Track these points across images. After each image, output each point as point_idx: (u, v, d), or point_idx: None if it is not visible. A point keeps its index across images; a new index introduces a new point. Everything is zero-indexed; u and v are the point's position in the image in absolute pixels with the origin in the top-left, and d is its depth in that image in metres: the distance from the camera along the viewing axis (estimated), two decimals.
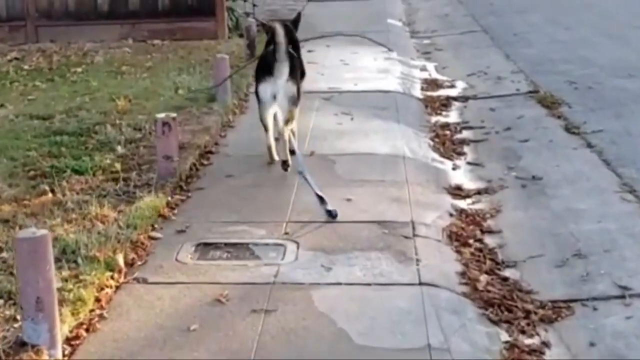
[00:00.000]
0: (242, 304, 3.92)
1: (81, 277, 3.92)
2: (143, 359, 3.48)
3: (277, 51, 5.60)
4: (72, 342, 3.54)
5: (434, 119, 7.71)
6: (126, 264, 4.26)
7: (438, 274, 4.29)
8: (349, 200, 5.24)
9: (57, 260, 4.11)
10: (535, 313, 3.99)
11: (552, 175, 5.91)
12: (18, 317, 3.47)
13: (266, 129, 5.89)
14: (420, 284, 4.12)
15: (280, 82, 5.62)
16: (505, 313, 3.98)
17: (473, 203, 5.50)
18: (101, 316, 3.78)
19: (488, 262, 4.54)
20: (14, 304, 3.63)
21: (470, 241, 4.81)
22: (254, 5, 12.40)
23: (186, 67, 8.86)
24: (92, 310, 3.78)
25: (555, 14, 13.31)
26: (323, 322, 3.74)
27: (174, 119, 5.40)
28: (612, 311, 4.00)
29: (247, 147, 6.46)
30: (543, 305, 4.07)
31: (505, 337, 3.83)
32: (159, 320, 3.77)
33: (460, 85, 9.06)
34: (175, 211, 5.09)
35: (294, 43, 5.94)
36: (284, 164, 5.73)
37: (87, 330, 3.65)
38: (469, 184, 5.88)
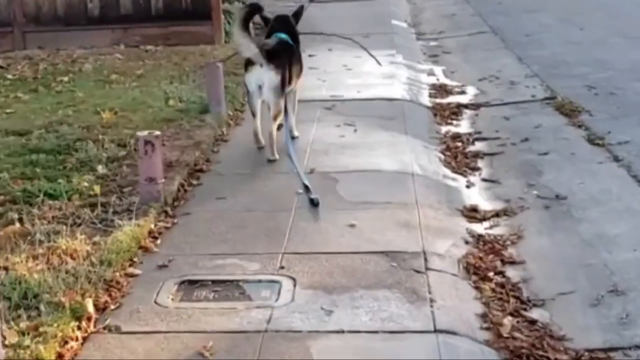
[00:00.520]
0: (228, 357, 3.38)
1: (42, 329, 3.38)
2: None
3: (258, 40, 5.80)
4: None
5: (444, 129, 7.15)
6: (97, 308, 3.71)
7: (456, 318, 3.73)
8: (352, 226, 4.69)
9: (17, 307, 3.58)
10: None
11: (578, 194, 5.34)
12: None
13: (253, 115, 5.98)
14: (436, 331, 3.56)
15: (263, 72, 5.66)
16: None
17: (491, 227, 4.94)
18: None
19: (512, 300, 3.98)
20: None
21: (490, 274, 4.25)
22: None
23: (179, 75, 8.32)
24: None
25: (567, 13, 12.72)
26: None
27: (157, 137, 4.85)
28: None
29: (240, 165, 5.91)
30: (579, 356, 3.51)
31: None
32: None
33: (471, 91, 8.50)
34: (158, 241, 4.55)
35: (293, 35, 6.11)
36: (269, 161, 5.83)
37: None
38: (486, 205, 5.32)
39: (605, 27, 11.14)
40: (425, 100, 8.07)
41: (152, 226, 4.66)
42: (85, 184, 5.11)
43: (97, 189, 5.05)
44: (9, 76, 8.56)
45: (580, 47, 9.93)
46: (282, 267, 4.19)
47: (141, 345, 3.47)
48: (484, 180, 5.81)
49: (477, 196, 5.50)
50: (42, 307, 3.56)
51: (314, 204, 4.96)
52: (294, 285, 4.00)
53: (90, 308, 3.62)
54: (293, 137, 6.16)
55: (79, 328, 3.50)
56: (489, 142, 6.67)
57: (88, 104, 7.18)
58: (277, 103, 5.74)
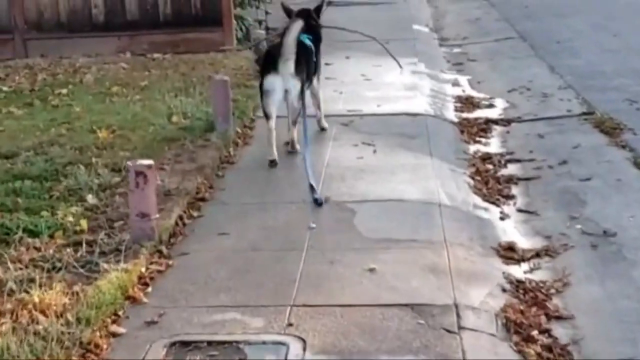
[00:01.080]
0: None
1: None
2: None
3: (283, 43, 5.61)
4: None
5: (472, 148, 6.52)
6: None
7: None
8: (372, 270, 4.08)
9: None
10: None
11: (629, 229, 4.70)
12: None
13: (268, 118, 5.80)
14: None
15: (285, 78, 5.63)
16: None
17: (531, 271, 4.31)
18: None
19: None
20: None
21: (535, 333, 3.62)
22: (267, 13, 11.28)
23: (185, 87, 7.72)
24: None
25: (599, 17, 12.03)
26: None
27: (149, 167, 4.26)
28: None
29: (247, 192, 5.32)
30: None
31: None
32: None
33: (500, 104, 7.85)
34: (149, 289, 3.96)
35: (315, 34, 6.09)
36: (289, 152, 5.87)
37: None
38: (523, 242, 4.69)
39: None
40: (451, 114, 7.44)
41: (143, 270, 4.07)
42: (71, 219, 4.52)
43: (83, 223, 4.48)
44: (5, 88, 8.01)
45: (617, 56, 9.25)
46: (290, 325, 3.59)
47: None
48: (520, 211, 5.17)
49: (513, 230, 4.87)
50: None
51: (317, 203, 4.93)
52: (304, 349, 3.40)
53: None
54: (323, 129, 6.44)
55: None
56: (523, 165, 6.03)
57: (84, 120, 6.61)
58: (297, 107, 5.79)
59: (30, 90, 7.88)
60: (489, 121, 7.20)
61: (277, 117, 5.81)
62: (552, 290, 4.05)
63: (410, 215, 4.84)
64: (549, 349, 3.52)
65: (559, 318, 3.80)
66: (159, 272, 4.13)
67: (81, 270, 3.96)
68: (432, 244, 4.41)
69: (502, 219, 5.04)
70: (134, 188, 4.25)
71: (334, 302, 3.78)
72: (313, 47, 6.06)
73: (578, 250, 4.52)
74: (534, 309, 3.85)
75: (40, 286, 3.71)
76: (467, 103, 7.91)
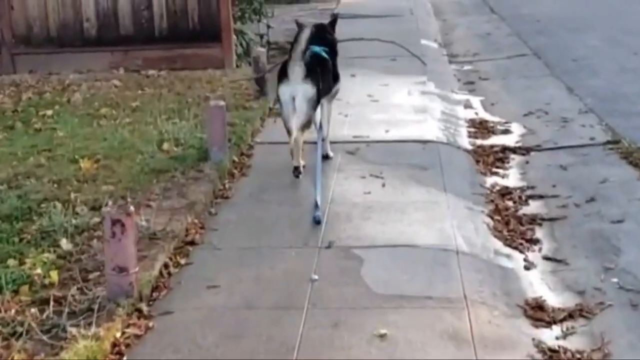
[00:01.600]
0: None
1: None
2: None
3: (293, 50, 5.56)
4: None
5: (489, 180, 5.97)
6: None
7: None
8: (382, 336, 3.55)
9: None
10: None
11: None
12: None
13: (289, 133, 5.56)
14: None
15: (295, 84, 5.48)
16: None
17: (565, 336, 3.75)
18: None
19: None
20: None
21: None
22: (268, 27, 10.77)
23: (179, 109, 7.21)
24: None
25: (615, 32, 11.52)
26: None
27: (129, 214, 3.72)
28: None
29: (243, 233, 4.79)
30: None
31: None
32: None
33: (517, 129, 7.31)
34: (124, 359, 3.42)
35: (330, 45, 5.98)
36: (296, 169, 5.52)
37: None
38: (553, 298, 4.13)
39: None
40: (464, 141, 6.90)
41: (118, 335, 3.54)
42: (39, 270, 3.98)
43: (54, 275, 3.94)
44: None
45: (639, 76, 8.71)
46: None
47: None
48: (547, 259, 4.61)
49: (541, 284, 4.31)
50: None
51: (315, 221, 4.82)
52: None
53: None
54: (327, 156, 6.01)
55: None
56: (546, 202, 5.48)
57: (67, 147, 6.08)
58: (308, 114, 5.56)
59: (13, 111, 7.37)
60: (505, 149, 6.66)
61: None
62: None
63: (425, 264, 4.30)
64: None
65: None
66: (137, 336, 3.59)
67: (44, 338, 3.41)
68: (450, 303, 3.86)
69: (527, 268, 4.49)
70: (109, 238, 3.71)
71: None
72: (330, 60, 5.93)
73: (616, 310, 3.96)
74: None
75: None
76: (481, 128, 7.37)
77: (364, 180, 5.65)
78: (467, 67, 10.35)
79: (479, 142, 6.92)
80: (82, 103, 7.66)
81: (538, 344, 3.63)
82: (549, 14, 13.83)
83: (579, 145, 6.60)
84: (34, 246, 4.33)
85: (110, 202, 4.80)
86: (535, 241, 4.83)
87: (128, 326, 3.63)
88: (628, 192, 5.46)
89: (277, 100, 5.77)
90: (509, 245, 4.76)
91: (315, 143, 5.81)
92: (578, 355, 3.56)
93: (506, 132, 7.24)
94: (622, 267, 4.39)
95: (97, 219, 4.64)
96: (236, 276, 4.20)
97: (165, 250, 4.37)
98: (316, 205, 4.96)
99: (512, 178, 6.03)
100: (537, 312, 3.94)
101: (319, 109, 5.82)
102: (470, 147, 6.73)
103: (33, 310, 3.63)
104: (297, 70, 5.46)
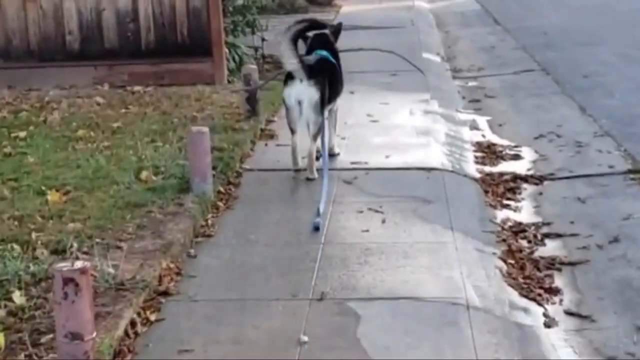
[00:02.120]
0: None
1: None
2: None
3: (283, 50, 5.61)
4: None
5: (499, 215, 5.42)
6: None
7: None
8: None
9: None
10: None
11: None
12: None
13: (292, 132, 5.75)
14: None
15: (302, 87, 5.54)
16: None
17: None
18: None
19: None
20: None
21: None
22: (263, 40, 10.23)
23: (163, 131, 6.67)
24: None
25: (627, 47, 10.97)
26: None
27: (84, 271, 3.16)
28: None
29: (225, 282, 4.22)
30: None
31: None
32: None
33: (528, 154, 6.76)
34: None
35: (333, 52, 5.97)
36: (296, 172, 5.74)
37: None
38: None
39: None
40: (471, 168, 6.35)
41: None
42: None
43: (0, 339, 3.38)
44: None
45: None
46: None
47: None
48: (569, 314, 4.06)
49: (565, 347, 3.75)
50: None
51: (315, 228, 4.78)
52: None
53: None
54: (334, 155, 6.11)
55: None
56: (564, 242, 4.93)
57: (35, 176, 5.52)
58: (317, 121, 5.62)
59: None
60: (517, 178, 6.11)
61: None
62: None
63: (431, 324, 3.73)
64: None
65: None
66: None
67: None
68: None
69: (547, 325, 3.93)
70: (61, 300, 3.15)
71: None
72: (336, 64, 5.97)
73: None
74: None
75: None
76: (488, 152, 6.82)
77: (362, 215, 5.10)
78: (472, 83, 9.82)
79: (487, 169, 6.37)
80: (59, 123, 7.10)
81: None
82: (555, 26, 13.32)
83: (598, 174, 6.05)
84: None
85: (75, 245, 4.33)
86: (556, 291, 4.27)
87: None
88: None
89: (283, 102, 5.83)
90: (526, 296, 4.20)
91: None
92: None
93: (516, 157, 6.70)
94: None
95: (58, 265, 4.08)
96: (213, 337, 3.63)
97: (133, 304, 3.81)
98: (318, 213, 4.95)
99: (525, 212, 5.49)
100: None
101: (326, 113, 5.81)
102: (477, 175, 6.18)
103: None
104: (300, 74, 5.49)
